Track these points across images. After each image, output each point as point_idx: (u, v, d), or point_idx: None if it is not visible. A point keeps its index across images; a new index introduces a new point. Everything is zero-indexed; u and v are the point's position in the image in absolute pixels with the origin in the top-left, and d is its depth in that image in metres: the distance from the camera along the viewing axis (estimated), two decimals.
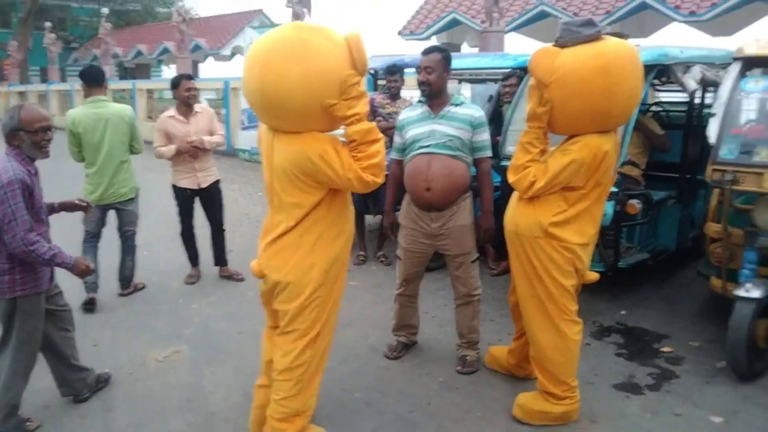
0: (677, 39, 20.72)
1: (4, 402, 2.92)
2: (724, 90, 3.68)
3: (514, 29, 13.76)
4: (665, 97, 7.05)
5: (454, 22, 14.30)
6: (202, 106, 5.12)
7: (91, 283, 4.65)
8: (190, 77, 5.03)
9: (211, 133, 5.05)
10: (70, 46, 31.06)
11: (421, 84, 3.43)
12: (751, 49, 3.73)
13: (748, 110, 3.64)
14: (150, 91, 18.42)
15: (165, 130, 4.96)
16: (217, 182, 5.16)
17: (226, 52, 23.44)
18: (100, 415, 3.18)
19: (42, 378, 3.31)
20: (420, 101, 3.59)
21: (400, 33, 15.23)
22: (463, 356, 3.63)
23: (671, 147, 4.99)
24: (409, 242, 3.58)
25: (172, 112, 5.05)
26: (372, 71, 6.98)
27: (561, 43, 2.69)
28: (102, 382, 3.46)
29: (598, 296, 4.73)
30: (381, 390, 3.40)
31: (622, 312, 4.48)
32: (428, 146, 3.38)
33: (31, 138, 2.88)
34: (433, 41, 14.88)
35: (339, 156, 2.51)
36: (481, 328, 3.78)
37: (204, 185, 5.05)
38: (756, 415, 3.13)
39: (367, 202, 5.72)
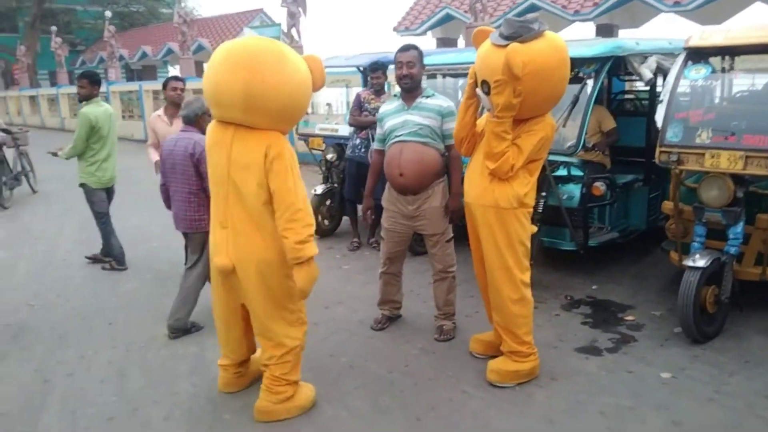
0: (668, 28, 20.87)
1: (186, 310, 4.17)
2: (671, 78, 4.03)
3: None
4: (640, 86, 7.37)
5: (448, 17, 14.63)
6: None
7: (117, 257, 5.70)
8: (178, 78, 5.27)
9: None
10: (76, 49, 31.59)
11: (402, 78, 3.82)
12: (695, 41, 4.07)
13: (691, 96, 3.99)
14: (156, 92, 18.84)
15: (152, 127, 5.25)
16: None
17: None
18: (116, 380, 3.59)
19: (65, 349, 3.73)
20: (395, 95, 4.00)
21: (395, 29, 15.56)
22: (440, 326, 4.02)
23: (618, 139, 5.31)
24: (390, 223, 3.97)
25: (160, 111, 5.30)
26: (361, 68, 7.35)
27: (521, 40, 3.01)
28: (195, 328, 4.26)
29: (572, 273, 5.10)
30: (365, 355, 3.80)
31: (594, 287, 4.84)
32: (401, 135, 3.78)
33: (208, 120, 3.42)
34: (429, 37, 15.23)
35: (291, 167, 2.84)
36: (461, 303, 4.16)
37: None
38: (702, 371, 3.49)
39: (359, 191, 6.11)
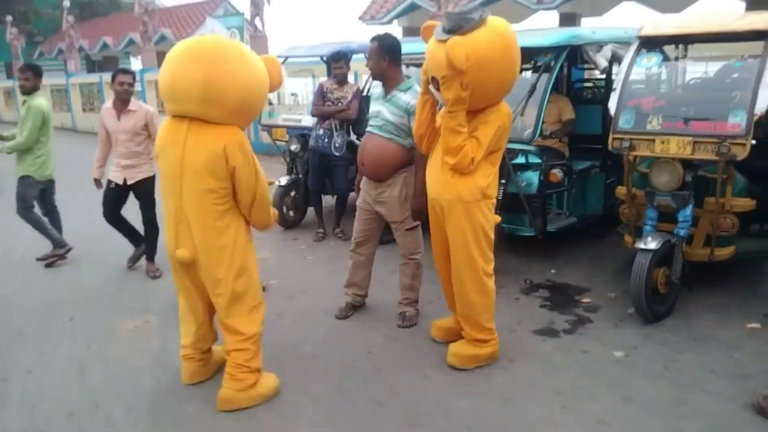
0: (629, 18, 21.27)
1: None
2: (624, 66, 4.14)
3: None
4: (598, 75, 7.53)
5: (413, 6, 14.60)
6: (139, 105, 5.04)
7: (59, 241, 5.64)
8: (126, 72, 5.02)
9: (146, 132, 5.01)
10: (34, 40, 30.65)
11: (372, 69, 3.89)
12: (647, 29, 4.19)
13: (642, 84, 4.10)
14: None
15: (102, 120, 5.06)
16: (149, 178, 5.12)
17: None
18: (76, 375, 3.56)
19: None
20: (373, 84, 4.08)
21: (360, 18, 15.49)
22: (402, 312, 4.08)
23: (575, 129, 5.44)
24: (361, 201, 4.08)
25: (109, 103, 5.06)
26: (324, 58, 7.34)
27: (462, 32, 2.99)
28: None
29: (532, 258, 5.21)
30: (328, 344, 3.84)
31: (552, 271, 4.96)
32: (371, 126, 3.89)
33: None
34: (395, 25, 15.21)
35: (252, 158, 2.92)
36: (424, 289, 4.22)
37: (130, 182, 5.07)
38: (653, 348, 3.63)
39: (324, 182, 6.13)
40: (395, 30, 15.74)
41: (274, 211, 3.20)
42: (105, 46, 24.47)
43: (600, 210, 5.49)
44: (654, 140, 3.88)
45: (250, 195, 2.97)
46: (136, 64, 28.39)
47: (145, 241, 5.35)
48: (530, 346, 3.73)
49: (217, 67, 2.75)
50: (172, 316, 4.35)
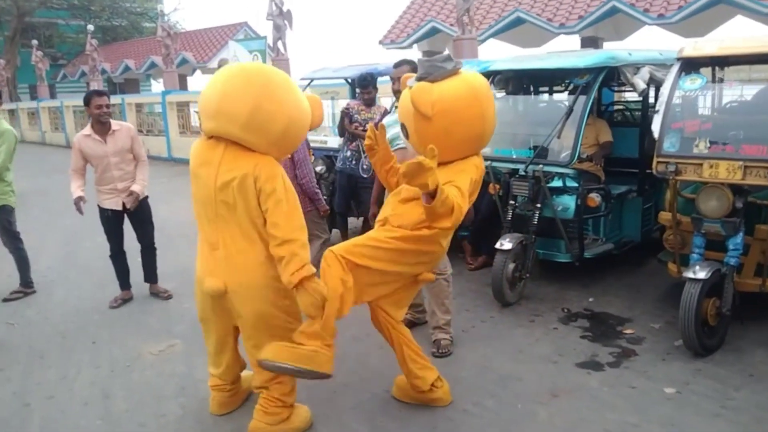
0: (651, 41, 21.18)
1: None
2: (666, 88, 4.00)
3: (492, 35, 14.15)
4: (630, 97, 7.40)
5: (434, 31, 14.67)
6: (120, 123, 4.86)
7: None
8: (101, 93, 4.74)
9: (132, 152, 4.84)
10: (57, 63, 31.26)
11: (396, 93, 3.98)
12: (689, 51, 4.05)
13: (686, 107, 3.96)
14: (139, 105, 18.67)
15: (80, 149, 4.72)
16: (143, 200, 4.95)
17: (213, 64, 23.72)
18: (100, 402, 3.42)
19: (45, 371, 3.56)
20: (396, 107, 4.03)
21: (380, 42, 15.56)
22: (436, 340, 3.92)
23: (611, 153, 5.30)
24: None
25: (87, 130, 4.73)
26: (349, 80, 7.29)
27: (431, 79, 2.93)
28: None
29: (568, 286, 5.02)
30: (360, 373, 3.67)
31: (590, 299, 4.77)
32: (399, 143, 3.77)
33: None
34: (415, 50, 15.24)
35: (289, 190, 2.74)
36: (456, 317, 4.05)
37: (129, 205, 4.85)
38: (705, 385, 3.41)
39: (350, 203, 6.01)
40: (415, 54, 15.77)
41: (321, 289, 2.72)
42: (127, 68, 24.86)
43: (638, 236, 5.30)
44: (702, 164, 3.71)
45: (279, 238, 2.67)
46: (157, 86, 28.82)
47: (146, 267, 5.20)
48: (574, 379, 3.53)
49: (268, 97, 2.66)
50: (196, 340, 4.21)
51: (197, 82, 25.71)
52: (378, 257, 2.93)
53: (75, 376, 3.77)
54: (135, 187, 4.81)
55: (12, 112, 26.94)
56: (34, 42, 25.00)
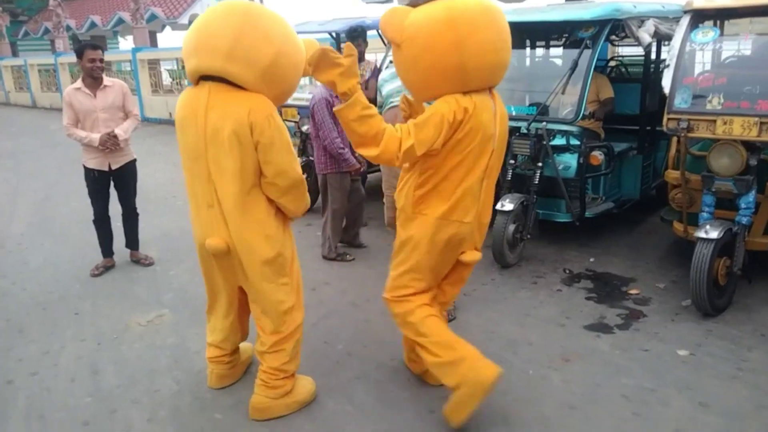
0: None
1: (331, 242, 4.84)
2: (676, 42, 3.81)
3: None
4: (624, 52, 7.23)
5: None
6: (112, 80, 4.65)
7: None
8: (95, 47, 4.52)
9: (123, 109, 4.63)
10: (18, 19, 29.77)
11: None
12: (700, 2, 3.86)
13: (700, 61, 3.78)
14: (108, 64, 17.88)
15: (70, 103, 4.51)
16: (130, 162, 4.76)
17: (184, 20, 22.77)
18: (88, 378, 3.22)
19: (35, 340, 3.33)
20: (391, 62, 3.76)
21: None
22: None
23: (614, 109, 5.13)
24: (389, 187, 3.97)
25: (78, 84, 4.55)
26: (333, 34, 6.97)
27: (413, 3, 2.53)
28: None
29: (568, 246, 4.91)
30: (362, 341, 3.52)
31: (591, 259, 4.66)
32: (396, 101, 3.71)
33: None
34: (395, 4, 14.74)
35: (284, 133, 2.54)
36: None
37: (115, 166, 4.64)
38: (719, 346, 3.33)
39: None
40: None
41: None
42: (93, 25, 23.77)
43: (637, 194, 5.19)
44: (715, 121, 3.56)
45: (284, 179, 2.57)
46: (125, 43, 27.72)
47: (128, 233, 4.97)
48: (584, 343, 3.43)
49: (252, 24, 2.42)
50: (186, 309, 4.04)
51: (167, 39, 24.80)
52: (419, 265, 2.72)
53: (59, 350, 3.55)
54: (117, 130, 4.53)
55: None
56: None
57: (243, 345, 3.19)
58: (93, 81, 4.52)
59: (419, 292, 2.78)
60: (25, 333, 3.79)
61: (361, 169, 4.80)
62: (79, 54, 4.48)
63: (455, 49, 2.41)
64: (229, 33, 2.38)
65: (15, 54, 26.28)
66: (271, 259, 2.65)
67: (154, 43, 23.01)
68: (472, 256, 2.80)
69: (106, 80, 4.59)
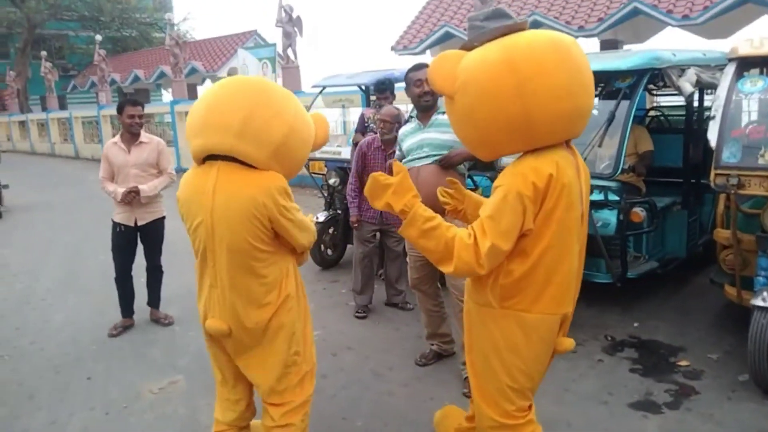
0: (672, 43, 20.68)
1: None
2: (722, 91, 3.57)
3: None
4: (663, 101, 6.97)
5: (448, 36, 14.22)
6: (150, 137, 4.65)
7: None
8: (135, 103, 4.53)
9: (157, 167, 4.60)
10: (68, 74, 31.19)
11: (423, 96, 3.64)
12: (745, 49, 3.62)
13: (748, 111, 3.52)
14: (148, 116, 18.43)
15: (106, 156, 4.53)
16: (158, 220, 4.68)
17: (222, 73, 23.47)
18: None
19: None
20: (412, 116, 3.92)
21: (393, 48, 15.16)
22: (467, 377, 3.48)
23: (652, 163, 4.87)
24: (410, 246, 3.78)
25: (116, 138, 4.58)
26: (363, 87, 6.91)
27: (467, 46, 2.16)
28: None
29: (608, 309, 4.57)
30: (383, 417, 3.24)
31: (635, 324, 4.31)
32: (418, 158, 3.62)
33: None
34: (428, 55, 14.82)
35: (295, 207, 2.44)
36: None
37: (141, 222, 4.58)
38: None
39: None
40: (428, 61, 15.38)
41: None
42: (136, 78, 24.64)
43: (683, 252, 4.84)
44: None
45: (299, 248, 2.54)
46: (167, 96, 28.63)
47: (150, 290, 4.86)
48: (629, 425, 3.08)
49: (264, 103, 2.29)
50: (200, 375, 3.83)
51: None
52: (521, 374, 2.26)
53: (66, 420, 3.37)
54: (143, 186, 4.48)
55: (23, 124, 26.89)
56: (44, 53, 24.94)
57: (253, 423, 2.95)
58: (131, 136, 4.52)
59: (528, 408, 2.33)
60: (35, 399, 3.64)
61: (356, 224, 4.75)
62: (120, 110, 4.50)
63: (518, 97, 1.97)
64: (241, 110, 2.24)
65: (63, 107, 27.40)
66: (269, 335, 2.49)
67: (194, 95, 23.67)
68: (567, 344, 2.34)
69: (144, 136, 4.58)
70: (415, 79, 3.65)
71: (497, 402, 2.25)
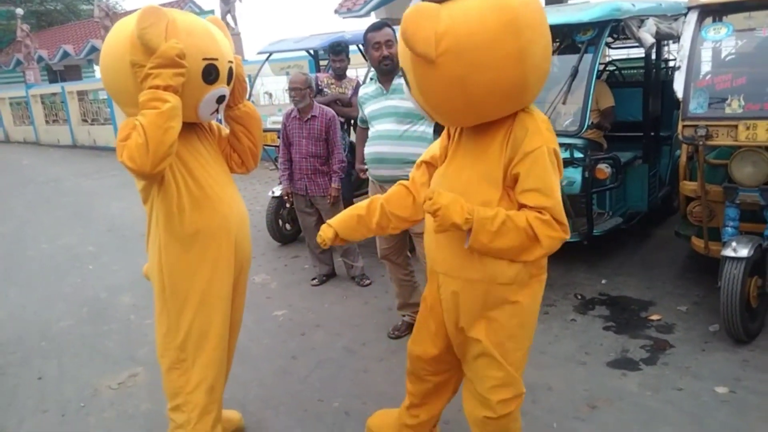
0: None
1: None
2: (685, 41, 3.50)
3: None
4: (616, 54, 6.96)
5: None
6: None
7: None
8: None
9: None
10: None
11: (383, 59, 3.42)
12: None
13: (712, 60, 3.48)
14: (82, 93, 17.46)
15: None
16: None
17: None
18: None
19: None
20: (371, 79, 3.73)
21: (336, 11, 14.72)
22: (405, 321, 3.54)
23: (615, 118, 4.83)
24: None
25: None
26: (311, 51, 6.64)
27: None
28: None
29: (575, 267, 4.56)
30: (361, 396, 3.11)
31: (603, 281, 4.31)
32: (380, 127, 3.48)
33: None
34: (372, 17, 14.46)
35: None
36: None
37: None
38: (760, 380, 2.97)
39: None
40: (372, 21, 15.02)
41: None
42: (66, 54, 23.25)
43: (645, 206, 4.85)
44: (736, 126, 3.23)
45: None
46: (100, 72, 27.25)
47: None
48: (609, 384, 3.05)
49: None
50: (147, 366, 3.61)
51: None
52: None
53: (17, 427, 3.11)
54: None
55: None
56: None
57: (227, 413, 2.78)
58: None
59: None
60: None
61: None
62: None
63: (519, 62, 1.78)
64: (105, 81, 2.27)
65: None
66: None
67: None
68: None
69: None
70: (373, 41, 3.43)
71: (520, 371, 2.12)
